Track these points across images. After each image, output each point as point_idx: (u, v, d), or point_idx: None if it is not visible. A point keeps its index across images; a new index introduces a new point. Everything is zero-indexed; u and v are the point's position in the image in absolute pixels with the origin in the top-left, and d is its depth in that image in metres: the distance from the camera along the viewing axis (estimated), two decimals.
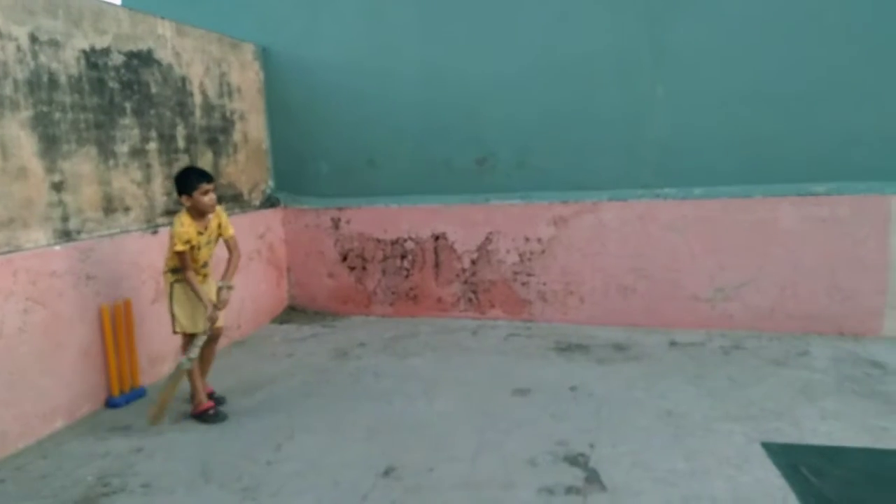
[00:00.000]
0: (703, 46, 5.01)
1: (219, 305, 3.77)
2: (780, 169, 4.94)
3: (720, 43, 4.97)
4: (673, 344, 4.85)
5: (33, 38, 3.68)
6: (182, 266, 3.70)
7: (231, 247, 3.93)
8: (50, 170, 3.78)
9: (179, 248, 3.63)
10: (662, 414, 3.65)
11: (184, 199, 3.70)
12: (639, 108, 5.22)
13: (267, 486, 3.04)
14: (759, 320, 5.01)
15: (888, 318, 4.73)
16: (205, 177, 3.73)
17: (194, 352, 3.72)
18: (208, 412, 3.83)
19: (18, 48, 3.59)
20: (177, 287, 3.79)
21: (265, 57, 6.00)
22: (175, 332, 3.85)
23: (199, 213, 3.72)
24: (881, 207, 4.70)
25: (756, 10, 4.86)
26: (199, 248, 3.76)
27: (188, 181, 3.69)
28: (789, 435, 3.34)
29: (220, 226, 3.86)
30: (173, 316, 3.81)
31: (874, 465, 3.03)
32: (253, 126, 5.88)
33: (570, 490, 2.91)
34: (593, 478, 3.01)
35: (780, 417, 3.54)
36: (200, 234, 3.73)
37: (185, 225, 3.66)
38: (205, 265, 3.88)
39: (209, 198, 3.69)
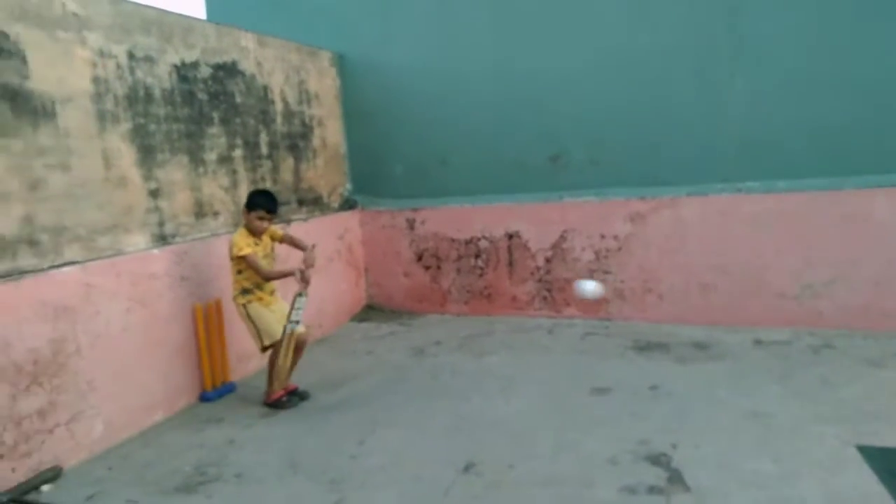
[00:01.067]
0: (785, 34, 4.81)
1: (308, 262, 4.02)
2: (871, 159, 4.69)
3: (802, 29, 4.77)
4: (757, 342, 4.69)
5: (130, 56, 3.93)
6: (255, 271, 3.96)
7: (287, 238, 4.26)
8: (147, 178, 4.03)
9: (246, 251, 3.95)
10: (748, 414, 3.55)
11: (244, 211, 4.09)
12: (717, 99, 5.07)
13: (352, 479, 3.15)
14: (852, 318, 4.78)
15: None
16: (268, 206, 4.06)
17: (297, 314, 3.97)
18: (281, 399, 4.10)
19: (118, 65, 3.85)
20: (250, 306, 4.05)
21: (341, 63, 6.17)
22: (264, 349, 4.07)
23: (252, 230, 4.04)
24: None
25: None
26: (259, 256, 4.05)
27: (254, 201, 4.07)
28: (888, 438, 3.18)
29: (271, 236, 4.19)
30: (258, 333, 4.05)
31: None
32: (331, 131, 6.06)
33: (652, 490, 2.88)
34: (676, 478, 2.96)
35: (877, 419, 3.38)
36: (256, 244, 4.04)
37: (241, 235, 4.02)
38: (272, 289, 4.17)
39: (260, 224, 4.04)
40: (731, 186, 5.09)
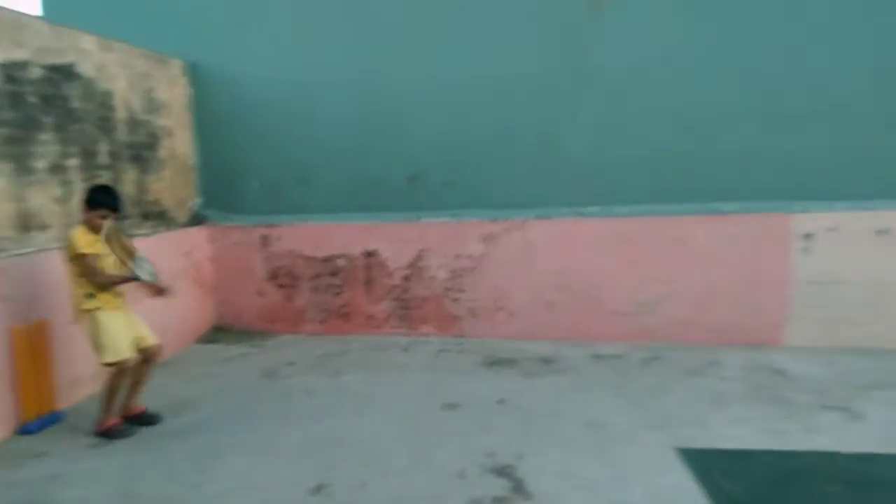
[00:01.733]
0: (624, 73, 5.29)
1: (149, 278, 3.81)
2: (693, 189, 5.25)
3: (639, 70, 5.26)
4: (596, 356, 5.05)
5: None
6: (91, 273, 3.67)
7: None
8: None
9: (88, 250, 3.65)
10: (586, 424, 3.80)
11: (84, 208, 3.78)
12: (563, 130, 5.45)
13: None
14: (677, 332, 5.28)
15: (790, 328, 5.09)
16: (111, 204, 3.78)
17: (144, 268, 3.77)
18: (115, 427, 3.80)
19: None
20: (98, 315, 3.73)
21: (193, 73, 5.92)
22: (107, 364, 3.75)
23: (91, 228, 3.76)
24: (783, 226, 5.07)
25: (670, 42, 5.18)
26: (99, 257, 3.75)
27: (96, 199, 3.76)
28: (702, 440, 3.54)
29: (125, 249, 3.88)
30: (101, 347, 3.73)
31: (777, 466, 3.25)
32: (180, 142, 5.77)
33: (497, 500, 2.99)
34: (519, 488, 3.11)
35: (694, 424, 3.75)
36: (97, 242, 3.75)
37: (80, 232, 3.72)
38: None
39: (102, 223, 3.76)
40: (574, 211, 5.47)
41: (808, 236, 5.04)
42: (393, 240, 5.75)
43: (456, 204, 5.68)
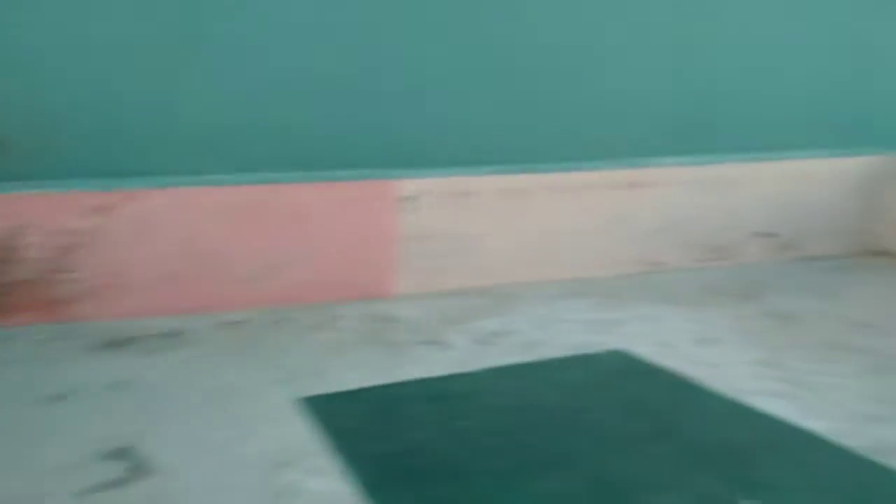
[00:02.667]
0: (234, 41, 5.30)
1: None
2: (311, 158, 5.59)
3: (251, 40, 5.33)
4: (224, 324, 5.08)
5: None
6: None
7: None
8: None
9: None
10: (213, 391, 3.85)
11: None
12: (177, 96, 5.26)
13: None
14: (301, 293, 5.59)
15: (396, 281, 5.84)
16: None
17: None
18: None
19: None
20: None
21: None
22: None
23: None
24: (389, 190, 5.74)
25: (281, 13, 5.37)
26: None
27: None
28: (323, 387, 3.89)
29: None
30: None
31: (382, 397, 3.78)
32: None
33: (111, 484, 2.87)
34: (140, 466, 3.03)
35: (315, 375, 4.09)
36: None
37: None
38: None
39: None
40: (199, 179, 5.34)
41: (409, 198, 5.80)
42: None
43: (58, 174, 5.06)
